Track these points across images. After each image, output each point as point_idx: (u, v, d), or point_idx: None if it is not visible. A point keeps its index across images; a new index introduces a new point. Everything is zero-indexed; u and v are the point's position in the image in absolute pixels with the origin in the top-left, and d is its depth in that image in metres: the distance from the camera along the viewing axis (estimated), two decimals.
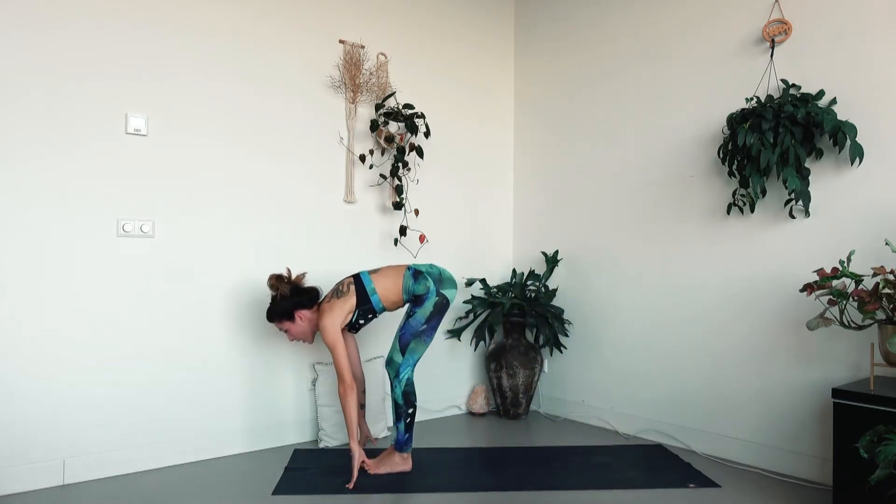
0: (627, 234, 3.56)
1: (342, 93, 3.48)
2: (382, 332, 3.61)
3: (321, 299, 2.87)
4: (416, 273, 2.78)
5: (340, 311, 2.70)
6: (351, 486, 2.60)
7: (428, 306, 2.74)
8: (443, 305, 2.77)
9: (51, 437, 2.63)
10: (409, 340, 2.73)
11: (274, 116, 3.24)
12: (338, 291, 2.75)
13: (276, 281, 2.78)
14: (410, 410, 2.75)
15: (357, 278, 2.77)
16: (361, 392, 3.04)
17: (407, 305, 2.85)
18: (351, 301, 2.72)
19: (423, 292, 2.74)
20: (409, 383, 2.75)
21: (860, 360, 2.61)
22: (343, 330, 2.79)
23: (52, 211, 2.64)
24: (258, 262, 3.17)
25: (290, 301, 2.76)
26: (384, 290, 2.77)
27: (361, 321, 2.81)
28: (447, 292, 2.79)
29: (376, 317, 2.84)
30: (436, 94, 3.89)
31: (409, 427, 2.76)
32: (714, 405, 3.13)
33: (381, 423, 3.35)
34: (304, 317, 2.78)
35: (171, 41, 2.93)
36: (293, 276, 2.86)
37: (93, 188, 2.73)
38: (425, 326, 2.74)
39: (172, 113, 2.93)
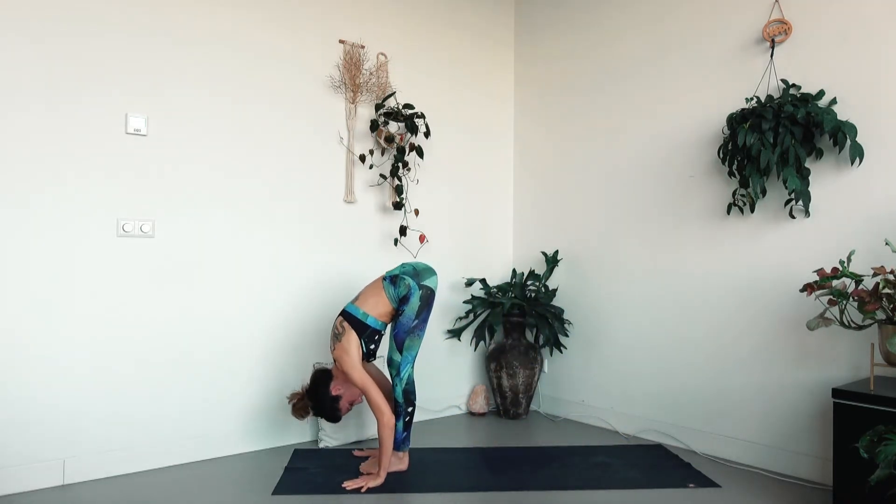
0: (627, 233, 3.56)
1: (342, 93, 3.48)
2: None
3: (332, 359, 2.86)
4: (393, 278, 2.79)
5: (351, 350, 2.70)
6: (348, 486, 2.60)
7: (414, 302, 2.75)
8: (428, 296, 2.79)
9: (51, 437, 2.63)
10: (404, 338, 2.75)
11: (274, 116, 3.24)
12: (336, 336, 2.75)
13: (300, 408, 2.76)
14: (409, 409, 2.77)
15: (345, 313, 2.77)
16: None
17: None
18: (352, 336, 2.72)
19: (406, 292, 2.76)
20: (410, 381, 2.77)
21: (860, 360, 2.61)
22: (363, 363, 2.80)
23: (52, 211, 2.64)
24: (258, 261, 3.17)
25: (321, 399, 2.74)
26: (374, 308, 2.77)
27: (372, 346, 2.81)
28: (428, 282, 2.81)
29: (382, 334, 2.85)
30: (436, 93, 3.89)
31: (407, 426, 2.78)
32: (714, 405, 3.13)
33: None
34: (338, 387, 2.76)
35: (171, 41, 2.93)
36: (299, 391, 2.82)
37: (92, 188, 2.73)
38: (416, 321, 2.76)
39: (172, 113, 2.93)
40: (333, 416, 2.78)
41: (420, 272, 2.82)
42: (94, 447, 2.72)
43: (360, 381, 2.66)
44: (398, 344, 2.75)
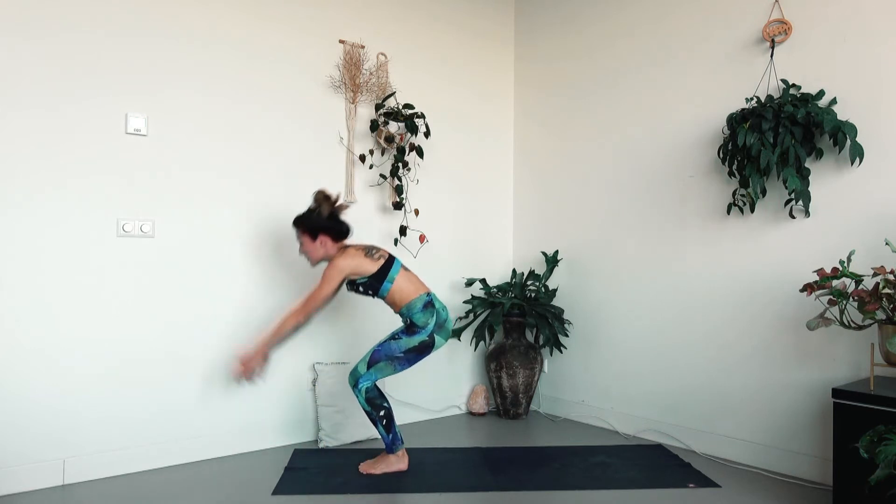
0: (627, 233, 3.56)
1: (342, 93, 3.48)
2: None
3: (349, 242, 2.88)
4: (429, 304, 2.76)
5: (357, 264, 2.71)
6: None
7: (414, 340, 2.73)
8: (426, 347, 2.75)
9: (51, 437, 2.63)
10: (381, 360, 2.73)
11: (273, 116, 3.24)
12: (369, 250, 2.76)
13: (322, 199, 2.77)
14: (382, 413, 2.74)
15: (390, 259, 2.77)
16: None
17: (399, 325, 2.83)
18: (371, 267, 2.72)
19: (421, 325, 2.73)
20: (370, 390, 2.74)
21: (860, 360, 2.61)
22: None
23: (53, 210, 2.64)
24: (258, 262, 3.17)
25: (323, 223, 2.75)
26: (399, 288, 2.75)
27: (360, 289, 2.79)
28: (438, 338, 2.78)
29: (374, 298, 2.84)
30: (436, 94, 3.89)
31: (389, 427, 2.76)
32: (714, 405, 3.13)
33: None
34: (325, 243, 2.78)
35: (171, 41, 2.93)
36: (339, 202, 2.82)
37: (93, 188, 2.73)
38: (401, 356, 2.74)
39: (172, 113, 2.93)
40: (298, 224, 2.78)
41: (443, 327, 2.79)
42: (94, 447, 2.72)
43: (328, 279, 2.67)
44: (372, 360, 2.73)
